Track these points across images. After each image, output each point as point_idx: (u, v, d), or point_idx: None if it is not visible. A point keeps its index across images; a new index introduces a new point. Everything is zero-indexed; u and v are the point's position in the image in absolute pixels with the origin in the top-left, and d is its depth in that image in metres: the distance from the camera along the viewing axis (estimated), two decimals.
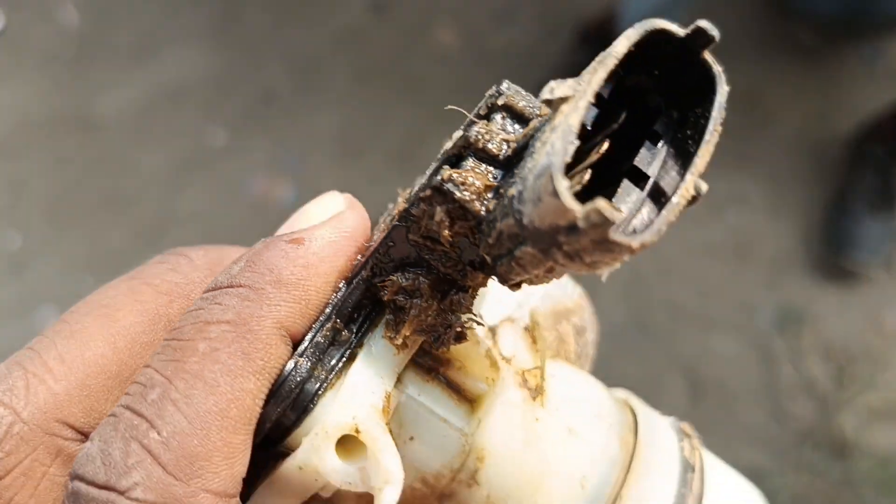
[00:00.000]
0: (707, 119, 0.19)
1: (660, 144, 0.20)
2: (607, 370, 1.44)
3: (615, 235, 0.17)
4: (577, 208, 0.17)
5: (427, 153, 1.73)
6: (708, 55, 0.20)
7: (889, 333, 1.54)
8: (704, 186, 0.19)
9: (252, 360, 0.20)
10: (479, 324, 0.23)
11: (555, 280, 0.22)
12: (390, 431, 0.21)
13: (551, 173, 0.17)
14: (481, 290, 0.23)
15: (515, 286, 0.21)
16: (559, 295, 0.26)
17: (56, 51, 1.91)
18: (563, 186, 0.17)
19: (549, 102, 0.19)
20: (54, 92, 1.86)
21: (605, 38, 1.63)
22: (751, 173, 1.69)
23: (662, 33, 0.19)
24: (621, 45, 0.19)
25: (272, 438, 0.21)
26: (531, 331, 0.25)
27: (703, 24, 0.20)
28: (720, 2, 1.79)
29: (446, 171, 0.20)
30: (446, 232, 0.21)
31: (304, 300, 0.21)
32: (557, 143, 0.18)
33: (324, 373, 0.21)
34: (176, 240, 1.43)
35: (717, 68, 0.20)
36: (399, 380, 0.22)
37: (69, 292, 1.49)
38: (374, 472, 0.20)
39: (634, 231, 0.18)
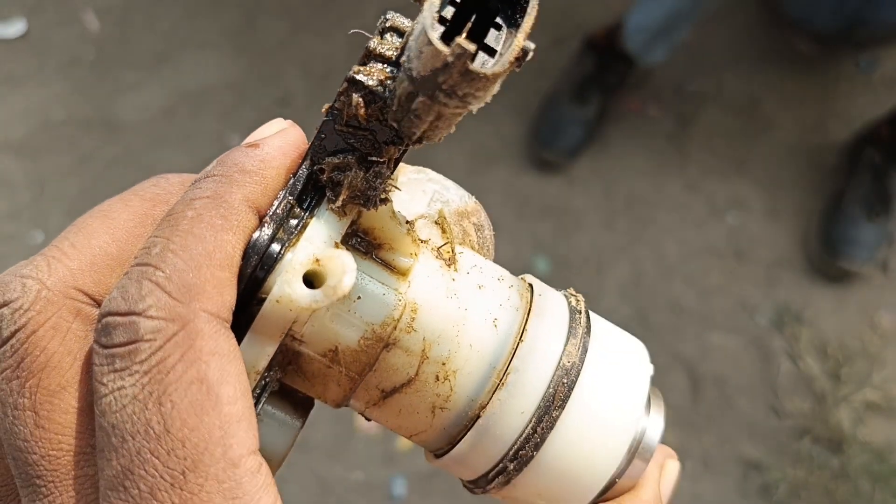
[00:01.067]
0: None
1: (503, 28, 0.27)
2: None
3: (473, 66, 0.23)
4: (444, 48, 0.22)
5: (441, 154, 1.79)
6: None
7: (884, 332, 1.59)
8: (532, 45, 0.25)
9: (228, 220, 0.27)
10: (397, 188, 0.30)
11: (446, 186, 0.32)
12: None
13: (424, 28, 0.23)
14: (400, 180, 0.32)
15: (418, 141, 0.27)
16: (458, 201, 0.33)
17: (77, 54, 1.97)
18: (435, 35, 0.22)
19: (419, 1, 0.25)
20: (75, 94, 1.92)
21: (610, 48, 1.70)
22: (750, 178, 1.74)
23: None
24: None
25: (248, 298, 0.27)
26: (440, 223, 0.32)
27: None
28: (721, 14, 1.86)
29: (356, 68, 0.27)
30: (362, 112, 0.27)
31: (263, 184, 0.28)
32: (425, 10, 0.24)
33: (285, 235, 0.27)
34: None
35: None
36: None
37: None
38: (332, 276, 0.26)
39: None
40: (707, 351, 1.58)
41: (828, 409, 1.50)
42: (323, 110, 0.28)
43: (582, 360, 0.30)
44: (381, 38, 0.28)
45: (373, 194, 0.27)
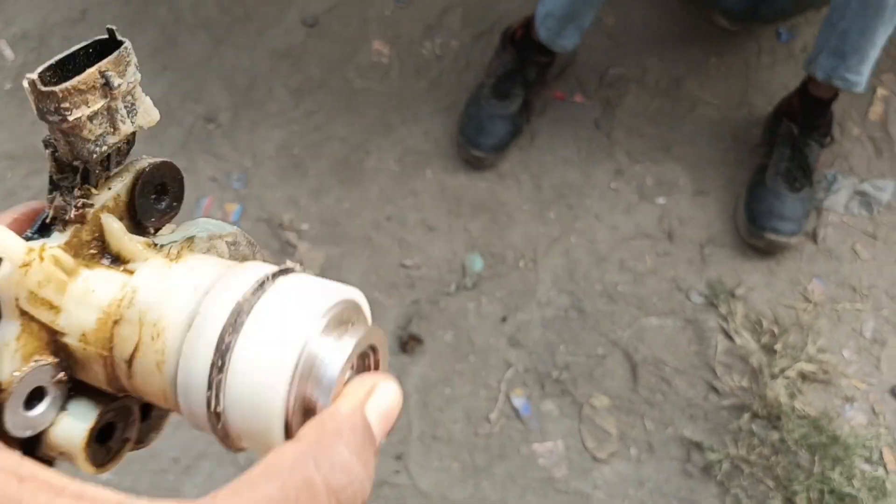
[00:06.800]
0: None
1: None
2: (552, 357, 1.49)
3: (44, 88, 0.31)
4: (25, 83, 0.31)
5: (370, 163, 1.78)
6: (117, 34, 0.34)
7: (817, 302, 1.60)
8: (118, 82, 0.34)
9: None
10: (91, 206, 0.35)
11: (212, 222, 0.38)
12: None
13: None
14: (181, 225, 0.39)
15: (87, 163, 0.34)
16: (214, 229, 0.38)
17: None
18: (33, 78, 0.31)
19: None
20: None
21: (528, 40, 1.69)
22: (677, 159, 1.75)
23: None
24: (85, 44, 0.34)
25: None
26: (189, 242, 0.37)
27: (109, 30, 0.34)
28: None
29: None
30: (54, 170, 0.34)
31: None
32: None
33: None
34: None
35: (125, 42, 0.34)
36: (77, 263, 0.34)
37: None
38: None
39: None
40: (644, 335, 1.58)
41: (764, 383, 1.51)
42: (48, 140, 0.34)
43: (258, 298, 0.33)
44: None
45: (69, 210, 0.34)
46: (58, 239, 0.33)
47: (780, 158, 1.61)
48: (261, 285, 0.33)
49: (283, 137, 1.83)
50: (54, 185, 0.34)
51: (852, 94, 1.55)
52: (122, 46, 0.34)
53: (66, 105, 0.31)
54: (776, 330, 1.56)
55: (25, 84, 0.31)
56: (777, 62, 1.84)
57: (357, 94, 1.88)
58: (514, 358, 1.58)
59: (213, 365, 0.31)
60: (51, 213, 0.34)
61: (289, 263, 0.35)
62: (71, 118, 0.31)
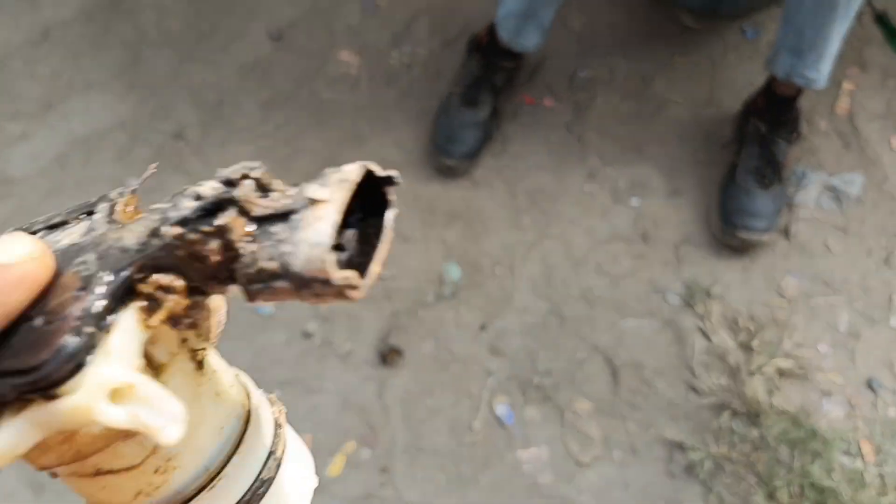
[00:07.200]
0: (381, 227, 0.29)
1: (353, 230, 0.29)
2: (532, 363, 1.49)
3: (351, 294, 0.26)
4: (338, 274, 0.25)
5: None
6: (390, 191, 0.30)
7: (791, 297, 1.62)
8: (381, 271, 0.28)
9: None
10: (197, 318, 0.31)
11: None
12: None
13: (323, 251, 0.25)
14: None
15: (257, 302, 0.28)
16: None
17: None
18: (331, 260, 0.25)
19: (312, 200, 0.27)
20: None
21: (493, 45, 1.69)
22: (649, 159, 1.75)
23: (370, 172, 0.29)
24: (355, 173, 0.29)
25: (30, 388, 0.26)
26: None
27: (392, 173, 0.30)
28: None
29: (225, 219, 0.27)
30: (216, 258, 0.27)
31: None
32: (327, 229, 0.26)
33: (88, 333, 0.27)
34: None
35: (392, 199, 0.29)
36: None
37: None
38: (153, 415, 0.26)
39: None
40: (623, 338, 1.59)
41: (743, 381, 1.52)
42: (170, 234, 0.28)
43: (276, 474, 0.33)
44: (241, 184, 0.29)
45: (184, 322, 0.29)
46: (135, 334, 0.28)
47: (749, 156, 1.62)
48: (275, 450, 0.33)
49: (254, 152, 1.82)
50: (186, 292, 0.29)
51: (818, 90, 1.57)
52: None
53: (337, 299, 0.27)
54: (752, 327, 1.57)
55: (339, 275, 0.26)
56: (743, 59, 1.86)
57: (326, 105, 1.87)
58: (495, 366, 1.58)
59: None
60: (153, 301, 0.28)
61: (248, 384, 0.35)
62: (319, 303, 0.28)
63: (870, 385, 1.54)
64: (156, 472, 0.30)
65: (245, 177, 0.29)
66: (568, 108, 1.82)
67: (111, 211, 0.32)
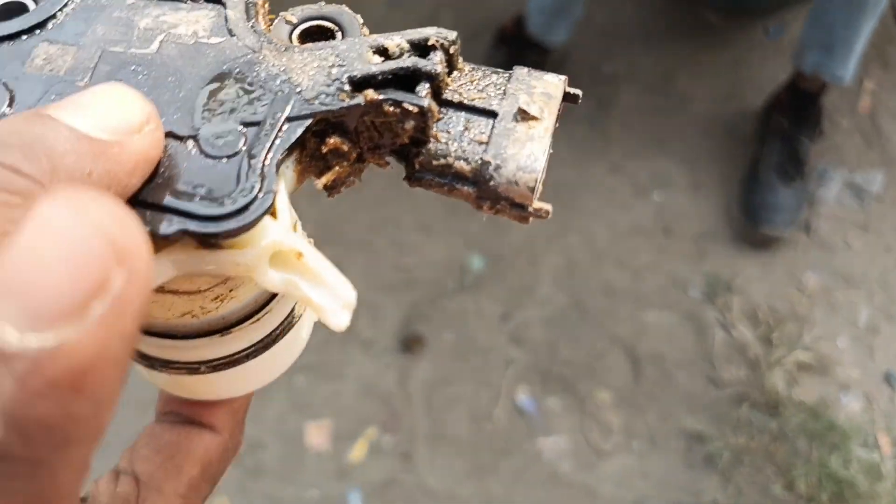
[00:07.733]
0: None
1: None
2: (553, 354, 1.51)
3: (538, 219, 0.25)
4: (536, 205, 0.24)
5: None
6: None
7: (811, 293, 1.63)
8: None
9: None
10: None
11: None
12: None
13: (533, 178, 0.24)
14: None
15: (414, 187, 0.27)
16: None
17: None
18: (538, 192, 0.24)
19: (524, 113, 0.25)
20: None
21: (520, 37, 1.70)
22: (671, 154, 1.77)
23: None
24: (560, 89, 0.26)
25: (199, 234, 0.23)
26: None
27: (578, 92, 0.27)
28: None
29: (427, 100, 0.25)
30: (404, 139, 0.25)
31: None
32: (540, 155, 0.24)
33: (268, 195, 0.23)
34: None
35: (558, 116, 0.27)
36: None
37: None
38: (322, 294, 0.24)
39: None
40: (644, 330, 1.61)
41: (762, 373, 1.54)
42: (367, 100, 0.25)
43: (305, 310, 0.33)
44: (434, 55, 0.25)
45: (339, 187, 0.27)
46: (287, 189, 0.26)
47: (771, 152, 1.64)
48: None
49: None
50: (356, 161, 0.26)
51: (841, 88, 1.58)
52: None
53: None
54: (772, 321, 1.59)
55: (534, 206, 0.25)
56: (766, 57, 1.87)
57: None
58: (516, 356, 1.60)
59: (246, 353, 0.31)
60: (324, 162, 0.26)
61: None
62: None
63: (887, 379, 1.55)
64: (215, 299, 0.29)
65: (437, 46, 0.26)
66: (591, 103, 1.84)
67: (251, 10, 0.27)
